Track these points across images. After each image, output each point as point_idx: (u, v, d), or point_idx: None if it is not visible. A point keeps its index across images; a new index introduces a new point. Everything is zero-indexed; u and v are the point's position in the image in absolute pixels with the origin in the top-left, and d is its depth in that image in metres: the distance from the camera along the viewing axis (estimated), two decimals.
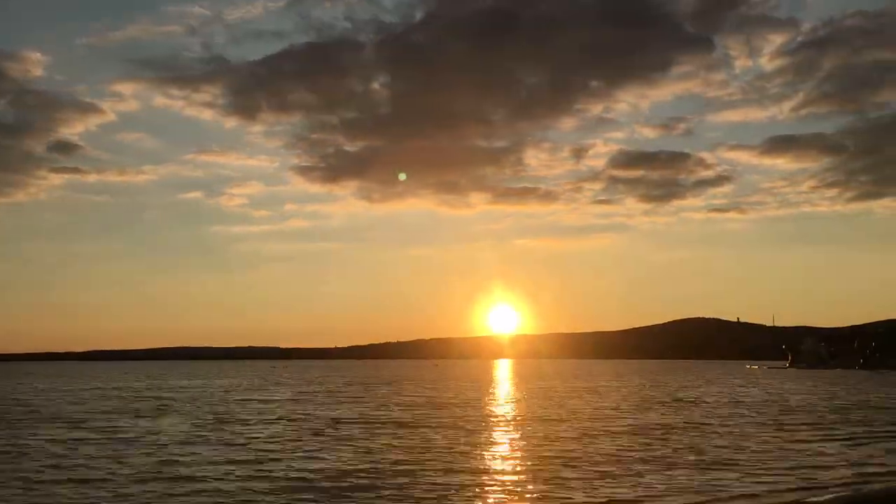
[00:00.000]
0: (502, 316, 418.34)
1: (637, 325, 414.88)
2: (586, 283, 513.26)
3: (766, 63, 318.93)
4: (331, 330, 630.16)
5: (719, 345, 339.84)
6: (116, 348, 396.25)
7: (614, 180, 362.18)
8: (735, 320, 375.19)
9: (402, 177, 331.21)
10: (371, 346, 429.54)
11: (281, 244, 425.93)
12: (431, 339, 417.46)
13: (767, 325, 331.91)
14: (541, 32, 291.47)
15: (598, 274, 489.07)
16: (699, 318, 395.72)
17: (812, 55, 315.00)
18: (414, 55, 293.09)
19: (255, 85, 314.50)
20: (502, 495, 17.64)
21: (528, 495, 17.59)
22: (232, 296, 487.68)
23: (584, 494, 17.45)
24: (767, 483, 18.96)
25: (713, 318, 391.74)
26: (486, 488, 18.36)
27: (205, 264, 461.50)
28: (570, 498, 17.08)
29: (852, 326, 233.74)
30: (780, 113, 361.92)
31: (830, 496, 16.94)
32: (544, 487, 18.31)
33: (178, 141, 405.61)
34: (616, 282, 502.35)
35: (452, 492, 17.73)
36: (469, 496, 17.37)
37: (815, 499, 16.62)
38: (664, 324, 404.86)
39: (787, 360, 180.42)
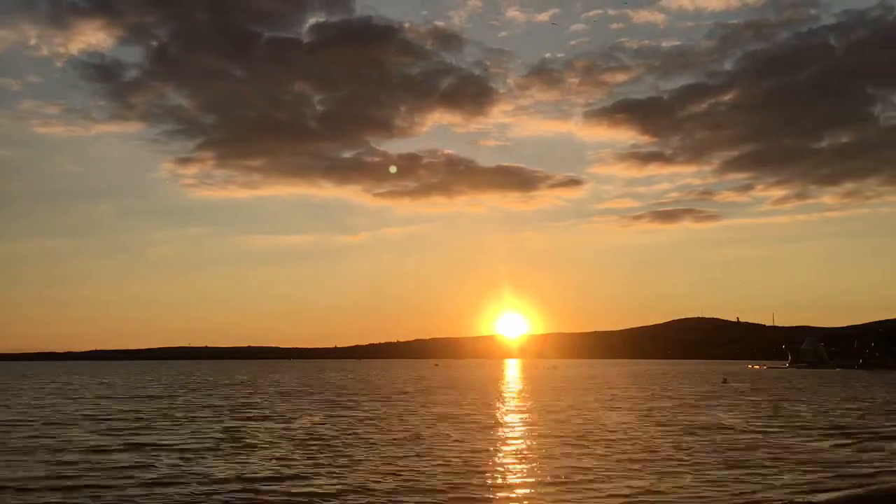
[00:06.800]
0: (506, 318, 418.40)
1: (637, 325, 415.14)
2: (566, 280, 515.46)
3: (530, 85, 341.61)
4: (331, 330, 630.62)
5: (719, 345, 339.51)
6: (116, 348, 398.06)
7: (475, 187, 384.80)
8: (735, 320, 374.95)
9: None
10: (371, 345, 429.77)
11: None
12: (430, 339, 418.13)
13: (767, 324, 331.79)
14: (281, 54, 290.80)
15: (579, 270, 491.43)
16: (699, 318, 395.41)
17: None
18: (197, 72, 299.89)
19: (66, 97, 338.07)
20: None
21: None
22: (224, 296, 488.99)
23: None
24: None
25: (713, 318, 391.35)
26: None
27: (179, 265, 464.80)
28: None
29: (852, 326, 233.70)
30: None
31: (831, 496, 16.62)
32: None
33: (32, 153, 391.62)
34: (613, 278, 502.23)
35: None
36: None
37: (815, 498, 16.30)
38: (664, 324, 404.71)
39: (787, 359, 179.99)
